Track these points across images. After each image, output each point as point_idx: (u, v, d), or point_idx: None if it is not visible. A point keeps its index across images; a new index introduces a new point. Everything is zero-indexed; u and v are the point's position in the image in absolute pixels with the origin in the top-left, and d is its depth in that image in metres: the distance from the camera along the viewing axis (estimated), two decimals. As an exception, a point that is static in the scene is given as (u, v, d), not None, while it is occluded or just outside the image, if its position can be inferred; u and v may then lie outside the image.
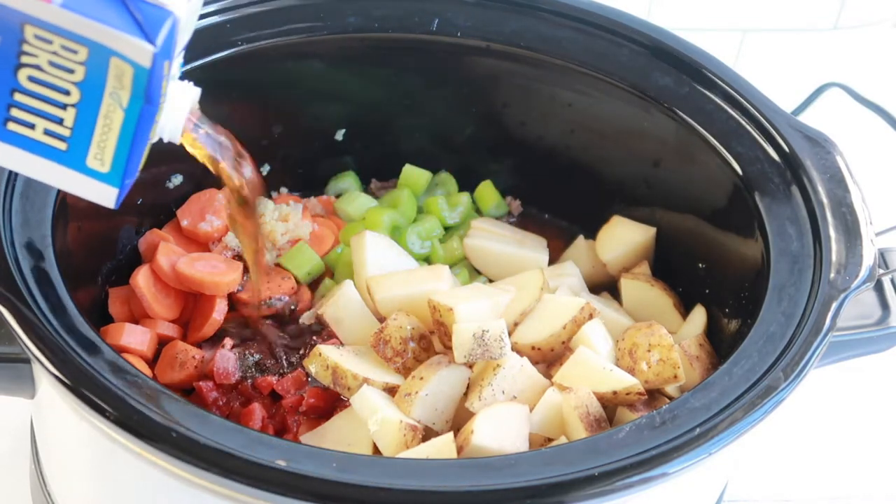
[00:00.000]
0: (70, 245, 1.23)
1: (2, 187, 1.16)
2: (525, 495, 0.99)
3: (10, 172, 1.18)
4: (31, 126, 0.96)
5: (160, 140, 1.05)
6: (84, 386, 1.02)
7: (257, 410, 1.27)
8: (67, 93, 0.95)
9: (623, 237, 1.46)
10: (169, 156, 1.42)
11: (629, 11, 1.44)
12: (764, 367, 1.10)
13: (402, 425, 1.16)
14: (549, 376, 1.24)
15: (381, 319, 1.30)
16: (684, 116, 1.36)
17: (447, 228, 1.50)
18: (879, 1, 1.93)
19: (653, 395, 1.26)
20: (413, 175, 1.52)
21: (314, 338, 1.34)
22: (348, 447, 1.19)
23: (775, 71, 1.92)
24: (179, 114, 1.04)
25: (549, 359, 1.27)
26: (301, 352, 1.32)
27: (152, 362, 1.33)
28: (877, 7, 1.93)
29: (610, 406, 1.22)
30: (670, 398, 1.27)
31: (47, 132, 0.96)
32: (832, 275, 1.18)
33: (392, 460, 1.09)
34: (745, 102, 1.34)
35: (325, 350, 1.25)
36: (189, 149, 1.11)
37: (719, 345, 1.33)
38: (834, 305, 1.15)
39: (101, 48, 0.93)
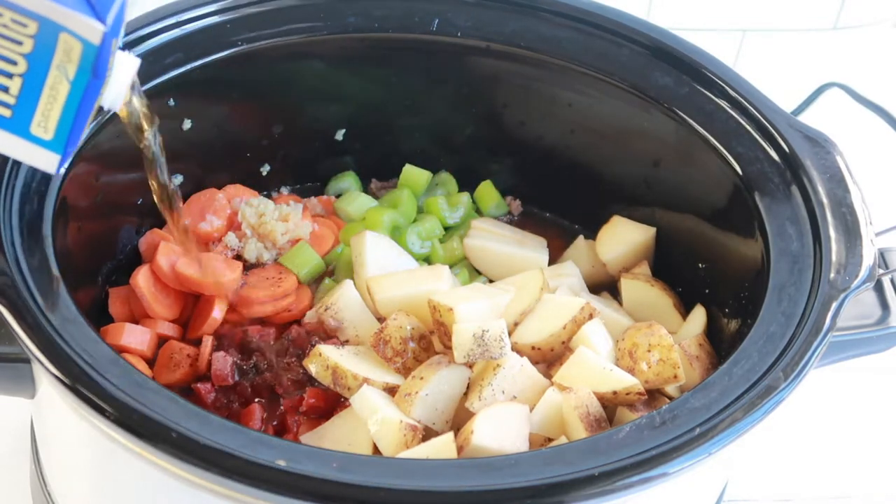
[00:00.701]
0: (70, 245, 1.23)
1: (2, 187, 1.16)
2: (525, 495, 0.99)
3: (11, 173, 1.18)
4: None
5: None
6: (84, 386, 1.02)
7: (257, 410, 1.27)
8: (14, 63, 0.99)
9: (623, 237, 1.46)
10: (169, 156, 1.43)
11: (629, 11, 1.44)
12: (764, 367, 1.10)
13: (402, 425, 1.16)
14: (549, 376, 1.24)
15: (381, 319, 1.30)
16: (684, 116, 1.36)
17: (447, 228, 1.50)
18: (879, 1, 1.93)
19: (653, 395, 1.26)
20: (413, 175, 1.52)
21: (314, 338, 1.34)
22: (348, 447, 1.19)
23: (775, 71, 1.92)
24: (121, 85, 1.09)
25: (549, 359, 1.27)
26: (288, 351, 1.32)
27: (152, 362, 1.33)
28: (877, 7, 1.93)
29: (610, 406, 1.22)
30: (670, 398, 1.27)
31: None
32: (832, 275, 1.18)
33: (392, 460, 1.09)
34: (745, 102, 1.34)
35: (325, 350, 1.25)
36: (123, 118, 1.16)
37: (719, 345, 1.33)
38: (834, 305, 1.15)
39: (51, 24, 0.97)
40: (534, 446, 1.18)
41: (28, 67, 0.99)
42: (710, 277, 1.39)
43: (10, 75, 0.99)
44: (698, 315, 1.37)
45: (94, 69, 0.99)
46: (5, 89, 1.00)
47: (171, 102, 1.37)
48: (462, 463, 1.06)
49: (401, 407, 1.19)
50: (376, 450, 1.17)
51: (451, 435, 1.14)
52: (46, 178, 1.20)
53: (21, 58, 0.98)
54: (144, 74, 1.31)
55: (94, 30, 0.97)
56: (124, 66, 1.08)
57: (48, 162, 1.04)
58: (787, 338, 1.13)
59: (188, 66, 1.34)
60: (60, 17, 0.96)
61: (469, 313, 1.23)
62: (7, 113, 1.01)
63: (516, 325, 1.28)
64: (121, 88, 1.09)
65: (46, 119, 1.01)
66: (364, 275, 1.35)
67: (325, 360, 1.24)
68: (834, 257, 1.19)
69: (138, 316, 1.37)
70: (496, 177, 1.55)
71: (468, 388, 1.22)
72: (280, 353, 1.32)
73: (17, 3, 0.95)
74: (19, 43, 0.98)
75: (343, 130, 1.52)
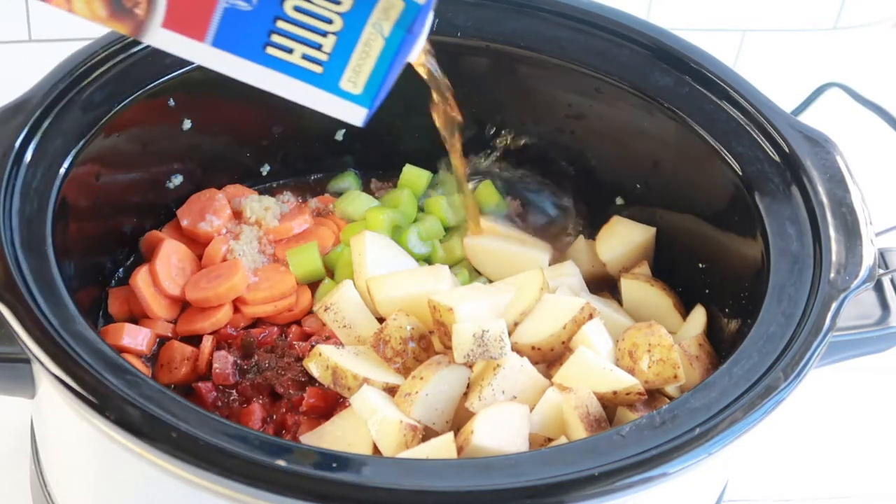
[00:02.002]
0: (70, 245, 1.23)
1: (2, 187, 1.16)
2: (525, 495, 0.99)
3: (10, 173, 1.18)
4: (290, 51, 1.03)
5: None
6: (84, 386, 1.02)
7: (257, 410, 1.27)
8: (330, 22, 1.01)
9: (623, 237, 1.46)
10: (169, 156, 1.43)
11: (629, 11, 1.44)
12: (764, 367, 1.10)
13: (402, 425, 1.16)
14: (549, 376, 1.24)
15: (381, 319, 1.30)
16: (684, 116, 1.36)
17: (447, 228, 1.50)
18: (879, 1, 1.93)
19: (653, 395, 1.26)
20: (413, 175, 1.52)
21: (314, 338, 1.34)
22: (348, 447, 1.19)
23: (775, 71, 1.92)
24: (423, 37, 1.11)
25: (549, 359, 1.27)
26: (288, 351, 1.32)
27: (152, 362, 1.33)
28: (877, 7, 1.93)
29: (610, 406, 1.22)
30: (670, 398, 1.27)
31: (305, 56, 1.03)
32: (832, 275, 1.18)
33: (392, 460, 1.09)
34: (745, 102, 1.34)
35: (325, 350, 1.25)
36: (418, 68, 1.22)
37: (719, 345, 1.33)
38: (834, 305, 1.15)
39: None
40: (534, 446, 1.18)
41: (343, 25, 1.01)
42: (710, 277, 1.39)
43: (324, 33, 1.02)
44: (698, 315, 1.37)
45: (411, 26, 1.02)
46: (318, 47, 1.02)
47: (171, 102, 1.37)
48: (462, 463, 1.06)
49: (401, 407, 1.19)
50: (376, 450, 1.17)
51: (451, 435, 1.14)
52: (46, 178, 1.20)
53: (337, 16, 1.01)
54: (144, 74, 1.32)
55: None
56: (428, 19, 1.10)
57: (356, 115, 1.07)
58: (787, 338, 1.13)
59: (188, 67, 1.34)
60: None
61: (469, 313, 1.23)
62: (318, 69, 1.04)
63: (516, 325, 1.28)
64: (423, 41, 1.11)
65: (357, 74, 1.04)
66: (364, 275, 1.35)
67: (325, 360, 1.24)
68: (834, 257, 1.19)
69: (138, 316, 1.37)
70: (496, 177, 1.55)
71: (468, 388, 1.22)
72: (280, 352, 1.32)
73: None
74: (338, 3, 1.00)
75: (343, 130, 1.52)
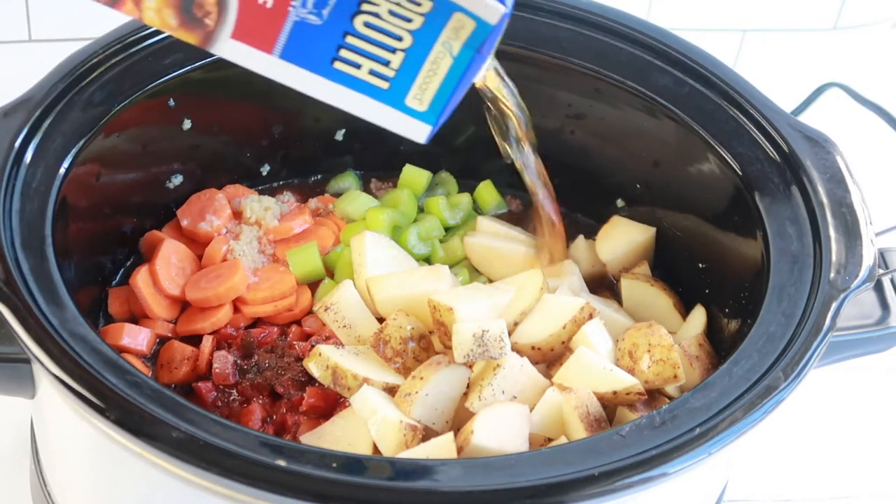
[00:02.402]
0: (70, 245, 1.23)
1: (2, 187, 1.16)
2: (525, 495, 0.99)
3: (10, 173, 1.18)
4: (357, 66, 1.03)
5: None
6: (84, 386, 1.02)
7: (257, 410, 1.27)
8: (400, 39, 1.02)
9: (623, 237, 1.46)
10: (169, 156, 1.43)
11: (629, 11, 1.44)
12: (764, 367, 1.10)
13: (402, 425, 1.16)
14: (549, 376, 1.24)
15: (381, 319, 1.30)
16: (684, 116, 1.36)
17: (447, 229, 1.50)
18: (879, 1, 1.93)
19: (653, 395, 1.26)
20: (413, 175, 1.52)
21: (314, 338, 1.34)
22: (348, 447, 1.19)
23: (775, 71, 1.92)
24: (489, 58, 1.12)
25: (549, 359, 1.27)
26: (288, 352, 1.32)
27: (152, 362, 1.33)
28: (877, 7, 1.93)
29: (610, 406, 1.22)
30: (670, 398, 1.27)
31: (372, 72, 1.03)
32: (832, 275, 1.18)
33: (392, 460, 1.09)
34: (745, 102, 1.34)
35: (325, 350, 1.25)
36: (487, 83, 1.21)
37: (719, 345, 1.33)
38: (834, 305, 1.15)
39: (447, 4, 0.99)
40: (534, 446, 1.18)
41: (413, 42, 1.01)
42: (710, 277, 1.39)
43: (393, 50, 1.02)
44: (698, 315, 1.37)
45: (481, 46, 1.02)
46: (386, 63, 1.02)
47: (171, 102, 1.37)
48: (462, 463, 1.06)
49: (401, 407, 1.19)
50: (376, 450, 1.17)
51: (451, 435, 1.14)
52: (46, 178, 1.20)
53: (407, 34, 1.01)
54: (144, 74, 1.32)
55: (495, 11, 1.00)
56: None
57: (419, 132, 1.07)
58: (787, 338, 1.13)
59: (188, 67, 1.34)
60: None
61: (469, 313, 1.23)
62: (384, 85, 1.04)
63: (516, 325, 1.28)
64: (489, 61, 1.12)
65: (423, 92, 1.04)
66: (364, 275, 1.35)
67: (325, 360, 1.24)
68: (834, 257, 1.19)
69: (138, 316, 1.37)
70: (496, 177, 1.55)
71: (468, 388, 1.22)
72: (280, 352, 1.32)
73: None
74: (409, 20, 1.00)
75: (343, 130, 1.52)
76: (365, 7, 1.00)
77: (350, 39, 1.02)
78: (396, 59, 1.02)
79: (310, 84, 1.04)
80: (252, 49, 1.02)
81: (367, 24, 1.01)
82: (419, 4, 0.99)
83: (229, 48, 1.02)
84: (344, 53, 1.02)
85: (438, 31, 1.01)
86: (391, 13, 1.00)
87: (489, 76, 1.21)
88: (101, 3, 1.02)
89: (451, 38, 1.01)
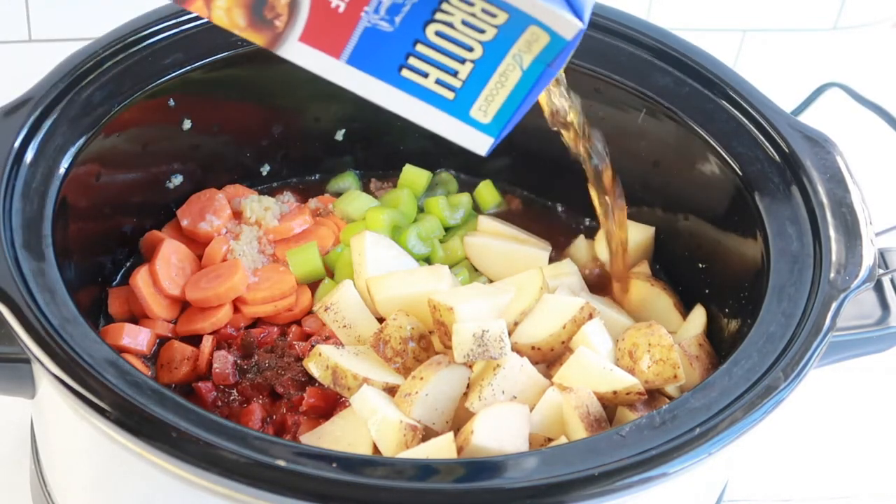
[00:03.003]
0: (70, 245, 1.23)
1: (2, 187, 1.16)
2: (525, 495, 0.99)
3: (10, 173, 1.18)
4: (425, 75, 1.01)
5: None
6: (84, 386, 1.02)
7: (257, 410, 1.27)
8: (471, 49, 1.00)
9: (623, 237, 1.46)
10: (169, 156, 1.43)
11: (629, 11, 1.44)
12: (764, 367, 1.10)
13: (402, 425, 1.16)
14: (549, 376, 1.24)
15: (381, 319, 1.30)
16: (684, 116, 1.36)
17: (447, 228, 1.50)
18: (879, 1, 1.93)
19: (653, 395, 1.26)
20: (413, 175, 1.52)
21: (314, 338, 1.34)
22: (348, 447, 1.19)
23: (775, 71, 1.92)
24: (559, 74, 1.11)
25: (549, 359, 1.27)
26: (288, 352, 1.32)
27: (152, 362, 1.33)
28: (877, 7, 1.93)
29: (610, 406, 1.22)
30: (670, 398, 1.27)
31: (439, 81, 1.02)
32: (832, 275, 1.18)
33: (392, 460, 1.09)
34: (744, 102, 1.34)
35: (325, 350, 1.25)
36: (542, 99, 1.20)
37: (719, 345, 1.33)
38: (834, 305, 1.15)
39: (523, 16, 0.97)
40: (534, 446, 1.18)
41: (483, 53, 1.00)
42: (710, 277, 1.39)
43: (462, 60, 1.00)
44: (698, 315, 1.37)
45: (553, 61, 1.00)
46: (454, 73, 1.01)
47: (171, 102, 1.37)
48: (462, 463, 1.06)
49: (401, 407, 1.19)
50: (376, 450, 1.17)
51: (451, 435, 1.14)
52: (46, 178, 1.20)
53: (479, 44, 0.99)
54: (144, 74, 1.32)
55: (571, 25, 0.98)
56: None
57: (481, 144, 1.05)
58: (787, 338, 1.13)
59: (188, 67, 1.34)
60: (538, 11, 0.97)
61: (469, 313, 1.23)
62: (450, 95, 1.02)
63: (516, 324, 1.28)
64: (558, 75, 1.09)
65: (488, 104, 1.03)
66: (364, 275, 1.35)
67: (325, 360, 1.24)
68: (834, 257, 1.19)
69: (138, 316, 1.37)
70: (496, 176, 1.55)
71: (468, 388, 1.22)
72: (280, 352, 1.32)
73: None
74: (482, 31, 0.98)
75: (343, 130, 1.52)
76: (439, 16, 0.98)
77: (420, 48, 1.00)
78: (465, 70, 1.01)
79: (374, 90, 1.02)
80: (320, 53, 1.00)
81: (439, 34, 0.99)
82: (494, 16, 0.97)
83: (296, 51, 1.00)
84: (412, 61, 1.01)
85: (511, 43, 0.99)
86: (464, 23, 0.98)
87: (554, 92, 1.20)
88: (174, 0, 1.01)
89: (523, 51, 1.00)
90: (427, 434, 1.18)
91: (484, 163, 1.54)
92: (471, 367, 1.23)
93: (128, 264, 1.42)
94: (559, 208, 1.55)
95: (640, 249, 1.46)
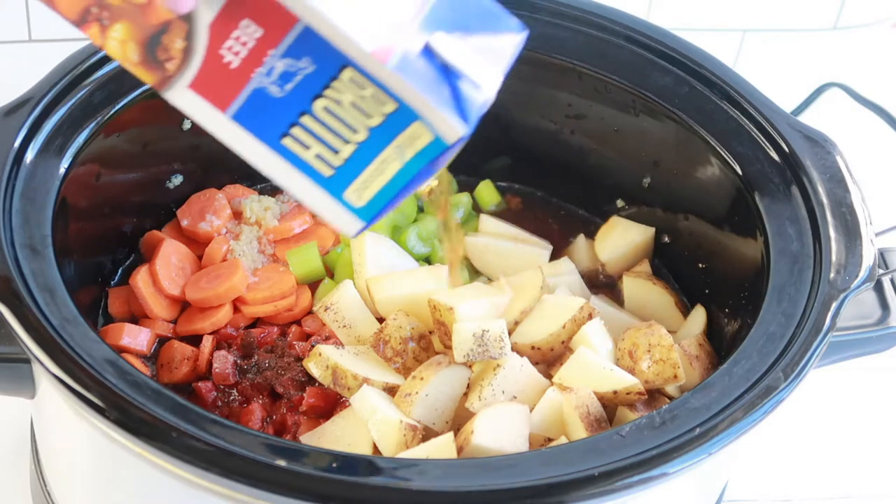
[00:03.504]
0: (70, 245, 1.23)
1: (2, 187, 1.16)
2: (525, 495, 0.99)
3: (10, 173, 1.18)
4: (306, 147, 1.00)
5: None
6: (84, 386, 1.02)
7: (257, 410, 1.27)
8: (356, 131, 0.99)
9: (622, 237, 1.46)
10: (169, 156, 1.43)
11: (629, 11, 1.44)
12: (764, 367, 1.10)
13: (402, 425, 1.16)
14: (549, 376, 1.24)
15: (381, 319, 1.30)
16: (684, 116, 1.36)
17: (447, 229, 1.50)
18: (879, 1, 1.93)
19: (653, 395, 1.26)
20: (413, 175, 1.52)
21: (314, 338, 1.34)
22: (348, 447, 1.19)
23: (775, 71, 1.92)
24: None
25: (549, 359, 1.27)
26: (288, 352, 1.32)
27: (152, 361, 1.33)
28: (877, 7, 1.93)
29: (610, 406, 1.22)
30: (670, 398, 1.27)
31: (319, 156, 1.00)
32: (832, 275, 1.18)
33: (392, 460, 1.09)
34: (745, 102, 1.34)
35: (325, 350, 1.25)
36: (423, 194, 1.22)
37: (719, 345, 1.33)
38: (834, 305, 1.15)
39: (410, 111, 0.97)
40: (534, 446, 1.18)
41: (367, 138, 0.99)
42: (710, 277, 1.39)
43: (346, 140, 0.99)
44: (698, 315, 1.37)
45: (433, 161, 1.00)
46: (336, 151, 1.00)
47: (172, 102, 1.37)
48: (462, 463, 1.06)
49: (401, 407, 1.19)
50: (376, 450, 1.17)
51: (451, 435, 1.14)
52: (46, 178, 1.20)
53: (364, 128, 0.99)
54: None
55: (453, 130, 0.98)
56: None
57: (349, 226, 1.04)
58: (787, 338, 1.13)
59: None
60: (425, 109, 0.97)
61: (469, 313, 1.23)
62: (328, 172, 1.01)
63: (516, 324, 1.28)
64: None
65: (364, 189, 1.01)
66: (364, 275, 1.35)
67: (325, 360, 1.24)
68: (834, 257, 1.19)
69: (138, 316, 1.37)
70: (496, 176, 1.55)
71: (468, 388, 1.22)
72: (280, 352, 1.32)
73: (387, 83, 0.96)
74: (369, 116, 0.98)
75: (343, 130, 1.52)
76: (329, 92, 0.97)
77: (305, 120, 0.99)
78: (347, 150, 1.00)
79: (252, 151, 1.01)
80: (206, 103, 0.99)
81: (327, 109, 0.98)
82: (383, 104, 0.97)
83: (184, 97, 0.99)
84: (296, 131, 1.00)
85: (396, 133, 0.99)
86: (353, 104, 0.98)
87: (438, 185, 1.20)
88: (68, 20, 1.00)
89: (405, 145, 0.99)
90: (427, 434, 1.18)
91: (484, 163, 1.54)
92: (471, 367, 1.23)
93: (127, 264, 1.42)
94: (559, 208, 1.55)
95: (640, 249, 1.46)
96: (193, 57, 0.97)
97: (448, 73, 0.97)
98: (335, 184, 1.01)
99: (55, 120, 1.24)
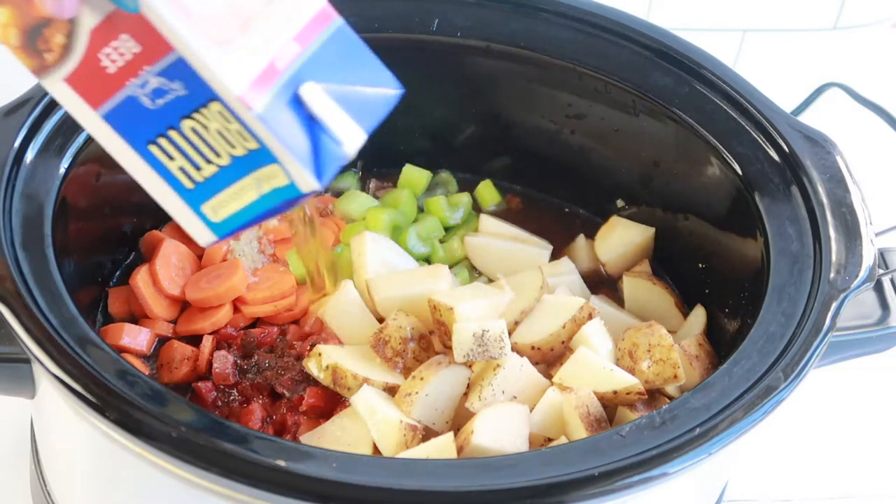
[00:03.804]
0: (70, 245, 1.23)
1: (2, 187, 1.16)
2: (525, 495, 0.99)
3: (10, 173, 1.18)
4: (171, 158, 1.03)
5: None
6: (84, 386, 1.02)
7: (257, 410, 1.27)
8: (219, 155, 1.02)
9: (622, 237, 1.46)
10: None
11: (629, 11, 1.44)
12: (764, 367, 1.10)
13: (402, 425, 1.16)
14: (549, 376, 1.24)
15: (381, 319, 1.30)
16: (684, 116, 1.36)
17: (447, 228, 1.50)
18: (879, 1, 1.93)
19: (653, 395, 1.26)
20: (413, 175, 1.52)
21: (314, 338, 1.34)
22: (348, 447, 1.19)
23: (775, 71, 1.92)
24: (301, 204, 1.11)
25: (549, 359, 1.27)
26: (288, 352, 1.32)
27: (152, 361, 1.33)
28: (877, 7, 1.93)
29: (610, 406, 1.22)
30: (670, 398, 1.27)
31: (182, 169, 1.03)
32: (832, 275, 1.18)
33: (392, 460, 1.09)
34: (745, 102, 1.34)
35: (325, 350, 1.25)
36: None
37: (719, 345, 1.33)
38: (834, 305, 1.15)
39: (270, 155, 1.00)
40: (534, 446, 1.18)
41: (229, 163, 1.02)
42: (710, 277, 1.39)
43: (209, 161, 1.02)
44: (698, 315, 1.37)
45: (286, 202, 1.02)
46: (198, 168, 1.02)
47: (171, 102, 1.36)
48: (462, 463, 1.06)
49: (401, 407, 1.19)
50: (376, 450, 1.17)
51: (451, 435, 1.14)
52: (46, 178, 1.20)
53: (228, 155, 1.01)
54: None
55: (308, 184, 1.00)
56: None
57: (203, 237, 1.07)
58: (787, 338, 1.13)
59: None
60: (284, 158, 0.99)
61: (469, 313, 1.23)
62: (189, 185, 1.04)
63: (516, 324, 1.28)
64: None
65: (220, 207, 1.04)
66: (364, 275, 1.35)
67: (325, 360, 1.24)
68: (834, 257, 1.19)
69: (138, 316, 1.37)
70: (496, 176, 1.55)
71: (468, 388, 1.22)
72: (280, 352, 1.32)
73: (251, 126, 0.98)
74: (233, 146, 1.01)
75: (343, 130, 1.52)
76: (197, 117, 1.00)
77: (173, 134, 1.01)
78: (209, 170, 1.03)
79: (120, 152, 1.03)
80: (79, 98, 1.01)
81: (194, 130, 1.01)
82: (246, 140, 0.99)
83: (58, 88, 1.01)
84: (162, 142, 1.02)
85: (256, 167, 1.01)
86: (219, 133, 1.00)
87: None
88: None
89: (263, 180, 1.02)
90: (427, 434, 1.18)
91: (484, 162, 1.54)
92: (471, 367, 1.23)
93: (127, 264, 1.42)
94: (559, 208, 1.55)
95: (640, 249, 1.46)
96: (72, 54, 0.99)
97: (312, 126, 1.00)
98: (194, 196, 1.04)
99: (55, 120, 1.24)
